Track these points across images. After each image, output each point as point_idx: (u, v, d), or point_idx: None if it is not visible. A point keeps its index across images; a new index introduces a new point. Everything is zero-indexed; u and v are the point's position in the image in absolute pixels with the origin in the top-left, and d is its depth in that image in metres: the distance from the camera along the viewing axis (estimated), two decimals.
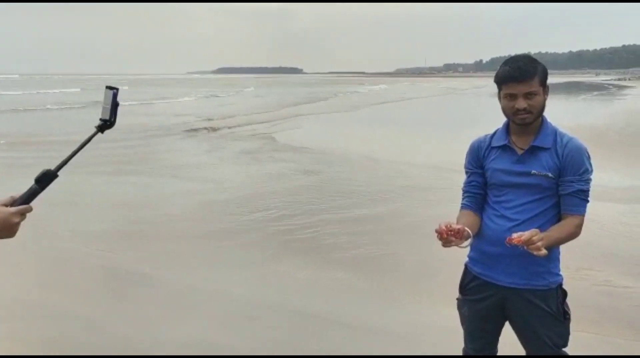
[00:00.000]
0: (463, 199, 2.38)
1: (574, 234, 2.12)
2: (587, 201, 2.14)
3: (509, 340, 2.39)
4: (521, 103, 2.10)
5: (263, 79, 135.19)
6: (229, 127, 17.78)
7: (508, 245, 1.96)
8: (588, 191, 2.13)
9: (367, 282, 4.81)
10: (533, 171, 2.15)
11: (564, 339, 2.21)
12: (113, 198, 8.01)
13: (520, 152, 2.20)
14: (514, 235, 1.95)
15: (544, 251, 1.91)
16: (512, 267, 2.18)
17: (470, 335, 2.42)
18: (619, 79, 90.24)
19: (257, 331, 3.79)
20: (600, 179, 8.42)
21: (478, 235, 2.29)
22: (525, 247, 1.92)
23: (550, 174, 2.13)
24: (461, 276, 2.41)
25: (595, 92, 46.57)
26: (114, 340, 3.62)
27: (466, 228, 2.12)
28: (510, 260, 2.17)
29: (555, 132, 2.19)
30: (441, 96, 46.28)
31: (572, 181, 2.11)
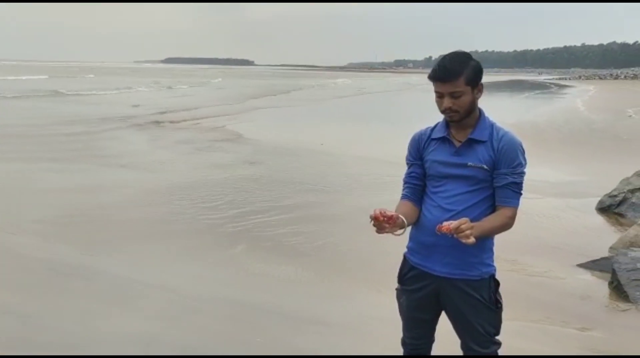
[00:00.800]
0: (403, 190, 2.42)
1: (507, 225, 2.19)
2: (520, 194, 2.21)
3: (445, 329, 2.45)
4: (446, 102, 2.16)
5: (222, 70, 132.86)
6: (186, 121, 17.35)
7: (438, 232, 2.01)
8: (521, 184, 2.21)
9: (310, 273, 4.85)
10: (469, 163, 2.21)
11: (496, 327, 2.29)
12: (54, 187, 7.74)
13: (457, 144, 2.25)
14: (444, 223, 2.01)
15: (472, 240, 1.96)
16: (446, 257, 2.24)
17: (407, 325, 2.47)
18: (560, 79, 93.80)
19: (199, 324, 3.74)
20: (540, 174, 8.78)
21: (416, 225, 2.34)
22: (454, 235, 1.97)
23: (485, 167, 2.19)
24: (400, 266, 2.45)
25: (537, 91, 48.26)
26: (50, 335, 3.48)
27: (401, 216, 2.16)
28: (445, 250, 2.22)
29: (492, 126, 2.25)
30: (404, 90, 47.01)
31: (506, 174, 2.18)
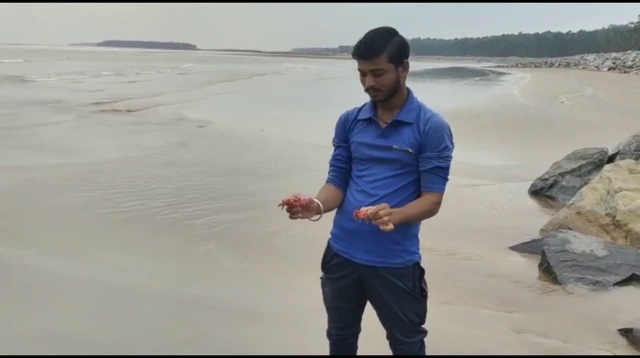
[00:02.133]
0: (328, 173, 2.30)
1: (431, 211, 2.10)
2: (446, 179, 2.13)
3: (370, 317, 2.36)
4: (369, 81, 2.05)
5: (169, 54, 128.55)
6: (139, 109, 16.57)
7: (355, 218, 1.89)
8: (447, 168, 2.12)
9: (247, 262, 4.69)
10: (394, 146, 2.11)
11: (421, 316, 2.22)
12: None
13: (383, 126, 2.15)
14: (362, 209, 1.89)
15: (390, 226, 1.85)
16: (369, 244, 2.14)
17: (332, 314, 2.37)
18: (498, 66, 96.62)
19: (122, 320, 3.53)
20: (475, 158, 8.91)
21: (340, 210, 2.23)
22: (372, 221, 1.86)
23: (410, 150, 2.10)
24: (324, 253, 2.34)
25: (476, 78, 49.48)
26: None
27: (316, 200, 2.04)
28: (367, 237, 2.12)
29: (419, 108, 2.15)
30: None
31: (431, 158, 2.09)
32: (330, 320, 2.39)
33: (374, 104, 2.20)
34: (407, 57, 2.11)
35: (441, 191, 2.12)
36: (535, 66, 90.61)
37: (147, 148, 9.62)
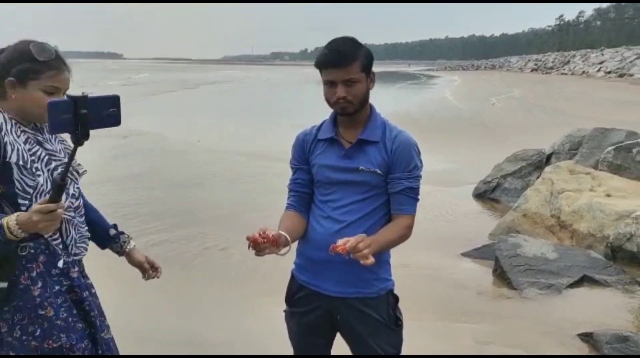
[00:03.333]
0: (288, 198, 2.11)
1: (404, 236, 1.95)
2: (417, 200, 1.98)
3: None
4: (340, 91, 1.87)
5: (96, 64, 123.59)
6: None
7: (332, 253, 1.70)
8: (418, 188, 1.97)
9: (187, 284, 4.40)
10: (361, 167, 1.94)
11: (397, 347, 2.06)
12: None
13: (347, 146, 1.98)
14: (339, 242, 1.70)
15: (371, 260, 1.68)
16: (339, 274, 1.95)
17: (299, 350, 2.17)
18: (428, 69, 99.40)
19: None
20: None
21: (304, 239, 2.04)
22: (351, 255, 1.68)
23: (378, 171, 1.93)
24: (287, 286, 2.14)
25: (409, 81, 50.65)
26: None
27: (284, 234, 1.85)
28: (337, 267, 1.93)
29: (384, 125, 2.00)
30: (308, 83, 46.86)
31: (401, 179, 1.94)
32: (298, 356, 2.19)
33: (334, 122, 2.03)
34: (372, 68, 1.96)
35: (413, 213, 1.97)
36: (463, 69, 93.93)
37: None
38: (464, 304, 4.12)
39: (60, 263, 1.81)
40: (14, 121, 1.76)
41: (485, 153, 9.59)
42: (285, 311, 2.16)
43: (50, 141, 1.85)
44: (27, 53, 1.73)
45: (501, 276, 4.55)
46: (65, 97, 1.43)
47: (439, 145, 11.63)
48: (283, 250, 1.84)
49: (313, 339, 2.11)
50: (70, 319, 1.81)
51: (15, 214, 1.59)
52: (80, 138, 1.44)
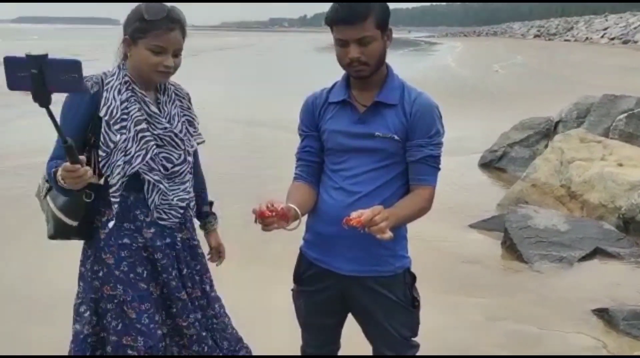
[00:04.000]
0: (296, 168, 1.93)
1: (424, 209, 1.78)
2: (438, 169, 1.81)
3: (352, 332, 2.04)
4: (354, 51, 1.67)
5: (88, 30, 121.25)
6: None
7: (345, 226, 1.53)
8: (439, 156, 1.80)
9: None
10: (377, 133, 1.75)
11: (413, 329, 1.91)
12: None
13: (361, 109, 1.79)
14: (353, 215, 1.52)
15: (388, 234, 1.51)
16: (351, 251, 1.79)
17: (308, 331, 2.03)
18: (429, 36, 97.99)
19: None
20: None
21: (314, 212, 1.86)
22: (366, 229, 1.51)
23: (396, 137, 1.75)
24: (296, 263, 1.98)
25: (411, 48, 49.80)
26: None
27: (293, 207, 1.68)
28: (349, 243, 1.77)
29: (402, 87, 1.80)
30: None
31: (421, 146, 1.76)
32: (306, 337, 2.05)
33: (347, 83, 1.83)
34: (388, 23, 1.75)
35: (433, 184, 1.80)
36: (465, 35, 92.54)
37: None
38: (472, 278, 3.98)
39: (110, 224, 1.85)
40: (127, 79, 1.82)
41: (490, 121, 9.35)
42: (292, 290, 2.00)
43: (164, 104, 1.91)
44: (139, 12, 1.78)
45: (511, 248, 4.40)
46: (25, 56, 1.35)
47: (442, 113, 11.39)
48: (292, 224, 1.67)
49: (323, 319, 1.97)
50: (131, 275, 1.88)
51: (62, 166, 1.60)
52: (37, 98, 1.35)
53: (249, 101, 13.42)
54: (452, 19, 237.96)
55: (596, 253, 4.23)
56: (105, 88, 1.80)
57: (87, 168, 1.55)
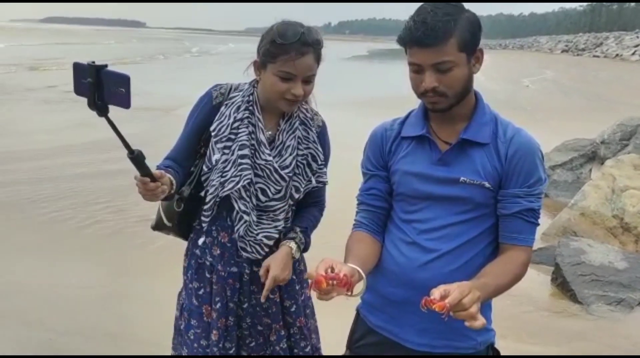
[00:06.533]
0: (357, 213, 1.60)
1: (519, 277, 1.43)
2: (537, 225, 1.46)
3: None
4: (429, 80, 1.35)
5: (112, 32, 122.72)
6: None
7: (424, 309, 1.19)
8: (539, 210, 1.44)
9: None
10: (462, 178, 1.42)
11: None
12: None
13: (443, 148, 1.45)
14: (434, 294, 1.17)
15: (480, 322, 1.17)
16: (424, 321, 1.44)
17: None
18: None
19: None
20: None
21: (378, 270, 1.53)
22: (452, 314, 1.17)
23: (487, 184, 1.41)
24: (352, 326, 1.65)
25: None
26: None
27: (358, 269, 1.34)
28: (421, 310, 1.43)
29: (495, 120, 1.47)
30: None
31: (519, 196, 1.41)
32: None
33: (424, 114, 1.50)
34: (479, 42, 1.42)
35: (531, 244, 1.46)
36: (490, 48, 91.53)
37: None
38: (522, 320, 3.60)
39: (200, 241, 1.85)
40: (251, 98, 1.75)
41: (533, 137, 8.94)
42: (345, 356, 1.67)
43: (281, 133, 1.77)
44: (271, 34, 1.66)
45: (563, 286, 4.01)
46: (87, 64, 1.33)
47: None
48: (356, 290, 1.33)
49: None
50: (190, 285, 1.89)
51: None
52: (92, 106, 1.32)
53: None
54: None
55: None
56: (226, 102, 1.76)
57: (158, 183, 1.50)
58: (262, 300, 1.77)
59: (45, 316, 3.30)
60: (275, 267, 1.71)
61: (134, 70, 21.16)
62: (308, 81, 1.68)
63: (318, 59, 1.68)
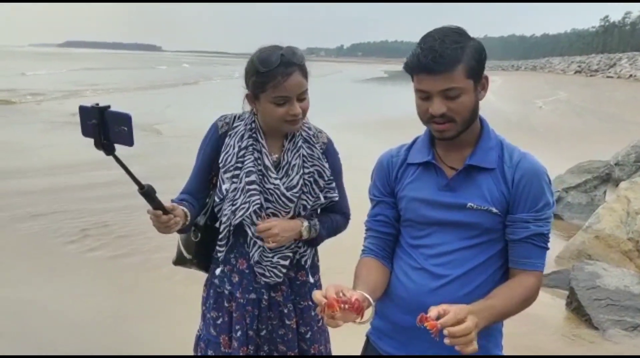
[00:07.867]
0: (365, 239, 1.61)
1: (529, 301, 1.42)
2: (547, 249, 1.46)
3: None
4: (437, 106, 1.36)
5: (128, 55, 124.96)
6: None
7: (419, 325, 1.20)
8: (548, 234, 1.44)
9: None
10: (469, 204, 1.42)
11: None
12: None
13: (450, 174, 1.46)
14: (432, 311, 1.20)
15: (472, 347, 1.19)
16: (434, 347, 1.42)
17: None
18: None
19: None
20: None
21: (387, 296, 1.53)
22: (445, 340, 1.18)
23: (494, 209, 1.42)
24: (362, 351, 1.64)
25: None
26: None
27: (367, 296, 1.34)
28: (431, 336, 1.42)
29: (500, 145, 1.48)
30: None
31: (527, 221, 1.41)
32: None
33: (430, 141, 1.51)
34: (484, 69, 1.44)
35: (541, 268, 1.45)
36: (503, 69, 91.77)
37: None
38: (539, 346, 3.54)
39: (218, 270, 1.86)
40: (253, 126, 1.78)
41: (543, 162, 8.90)
42: None
43: (286, 153, 1.79)
44: (253, 66, 1.69)
45: (578, 311, 3.95)
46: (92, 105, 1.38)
47: None
48: (365, 316, 1.33)
49: None
50: (207, 315, 1.90)
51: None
52: (99, 146, 1.37)
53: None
54: (490, 52, 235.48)
55: None
56: (230, 132, 1.79)
57: (170, 216, 1.53)
58: (256, 232, 1.77)
59: (56, 337, 3.32)
60: (280, 224, 1.74)
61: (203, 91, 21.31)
62: (302, 98, 1.70)
63: (305, 74, 1.70)
